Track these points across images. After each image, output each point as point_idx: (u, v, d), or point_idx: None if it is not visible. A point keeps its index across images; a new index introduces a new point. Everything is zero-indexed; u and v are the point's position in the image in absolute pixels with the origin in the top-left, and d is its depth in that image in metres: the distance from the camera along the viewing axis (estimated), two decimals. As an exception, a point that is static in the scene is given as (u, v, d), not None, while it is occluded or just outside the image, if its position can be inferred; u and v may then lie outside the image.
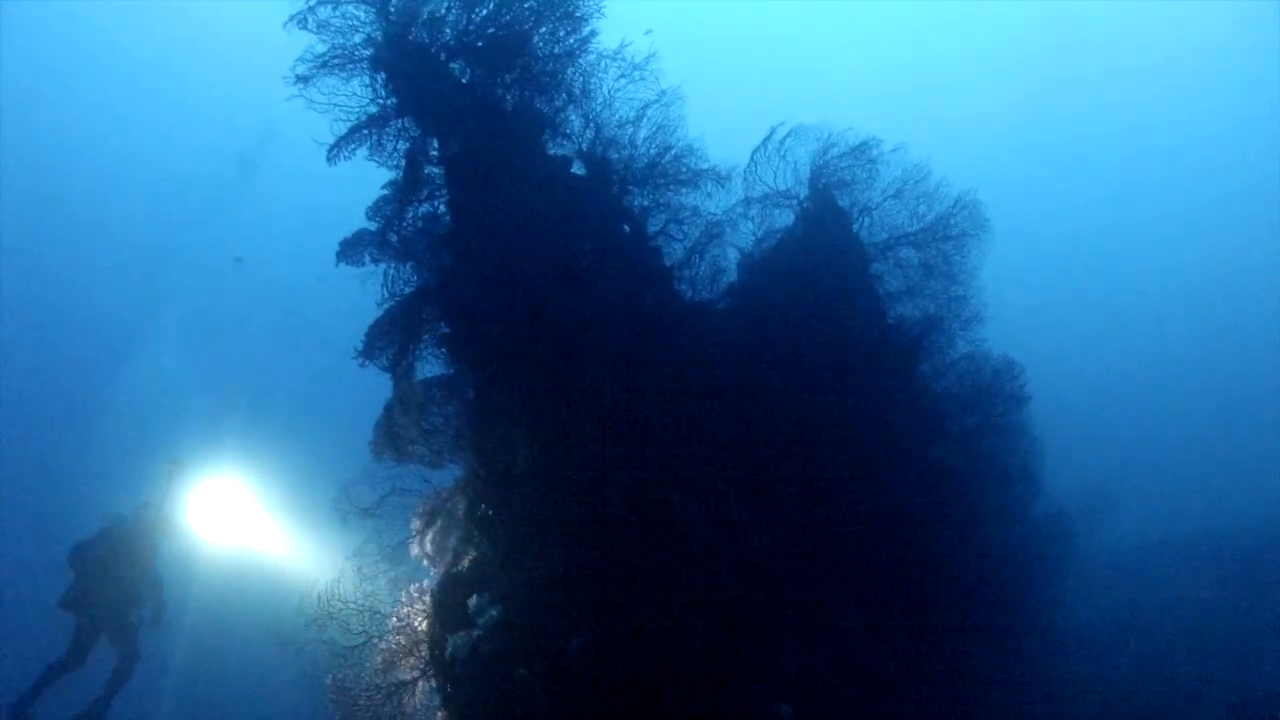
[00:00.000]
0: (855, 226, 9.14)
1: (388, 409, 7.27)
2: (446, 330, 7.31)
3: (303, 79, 7.41)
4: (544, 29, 7.82)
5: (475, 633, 6.08)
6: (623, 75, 8.15)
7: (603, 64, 8.09)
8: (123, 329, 39.82)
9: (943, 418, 9.50)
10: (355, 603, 7.31)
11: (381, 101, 7.57)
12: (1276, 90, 49.62)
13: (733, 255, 8.90)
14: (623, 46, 8.08)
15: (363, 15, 7.54)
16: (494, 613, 6.01)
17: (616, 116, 8.28)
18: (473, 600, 6.20)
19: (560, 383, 6.89)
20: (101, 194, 47.42)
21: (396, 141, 7.61)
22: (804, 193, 9.01)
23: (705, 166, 8.43)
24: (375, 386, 7.71)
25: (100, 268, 45.54)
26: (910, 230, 9.09)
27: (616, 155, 8.35)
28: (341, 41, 7.46)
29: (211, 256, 44.58)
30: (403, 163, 7.52)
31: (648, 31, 8.19)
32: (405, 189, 7.39)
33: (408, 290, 7.40)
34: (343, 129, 7.59)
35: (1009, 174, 49.99)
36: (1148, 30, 51.97)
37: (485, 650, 5.97)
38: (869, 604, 7.45)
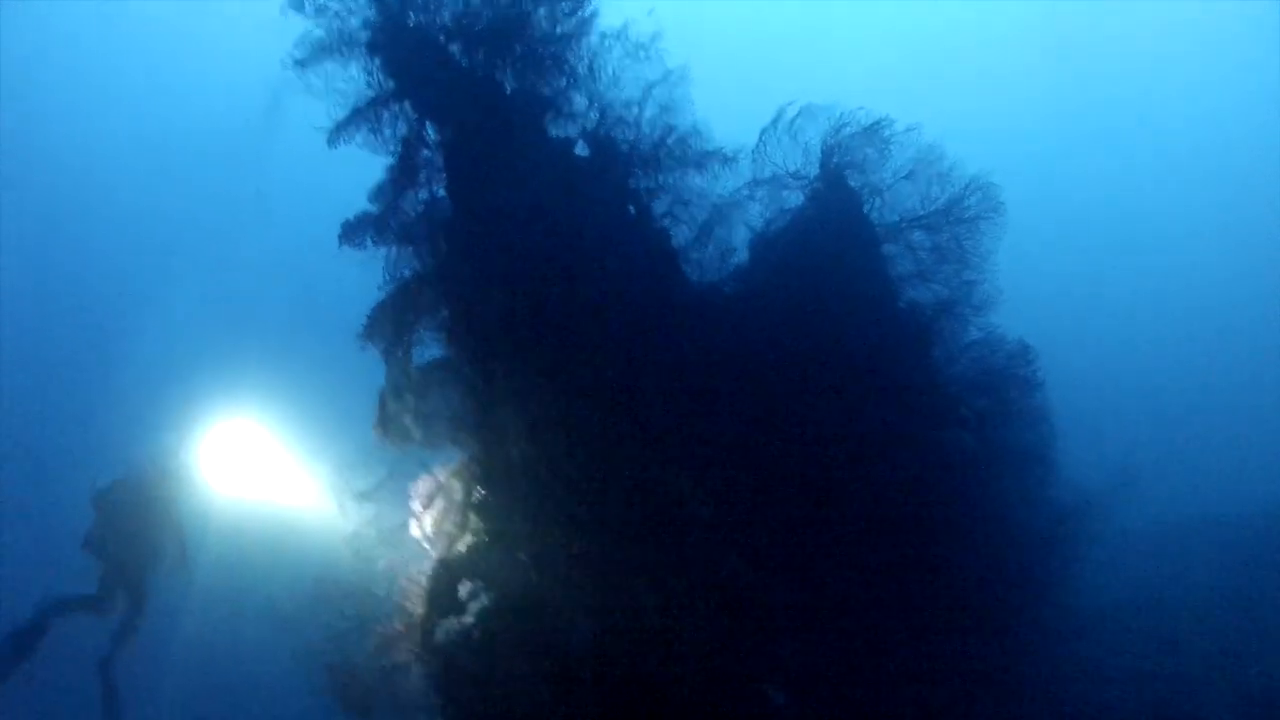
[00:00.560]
0: (866, 208, 8.93)
1: (382, 394, 7.22)
2: (446, 314, 7.23)
3: (301, 63, 7.31)
4: (543, 9, 7.65)
5: (466, 619, 6.08)
6: (628, 54, 8.00)
7: (607, 43, 7.94)
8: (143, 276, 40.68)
9: (956, 402, 9.33)
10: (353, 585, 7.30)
11: (378, 85, 7.46)
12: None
13: (741, 236, 8.75)
14: (627, 25, 7.93)
15: (359, -2, 7.41)
16: (485, 600, 6.00)
17: (622, 96, 8.13)
18: (464, 587, 6.19)
19: (560, 369, 6.81)
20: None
21: (394, 126, 7.51)
22: (814, 173, 8.81)
23: (712, 147, 8.27)
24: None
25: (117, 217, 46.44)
26: (922, 213, 8.87)
27: (622, 135, 8.20)
28: (339, 25, 7.34)
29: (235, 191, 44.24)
30: (399, 148, 7.41)
31: (650, 12, 7.99)
32: (401, 174, 7.29)
33: (406, 274, 7.32)
34: (342, 114, 7.49)
35: (1030, 155, 48.94)
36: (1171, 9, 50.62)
37: (476, 636, 5.96)
38: (878, 589, 7.37)
